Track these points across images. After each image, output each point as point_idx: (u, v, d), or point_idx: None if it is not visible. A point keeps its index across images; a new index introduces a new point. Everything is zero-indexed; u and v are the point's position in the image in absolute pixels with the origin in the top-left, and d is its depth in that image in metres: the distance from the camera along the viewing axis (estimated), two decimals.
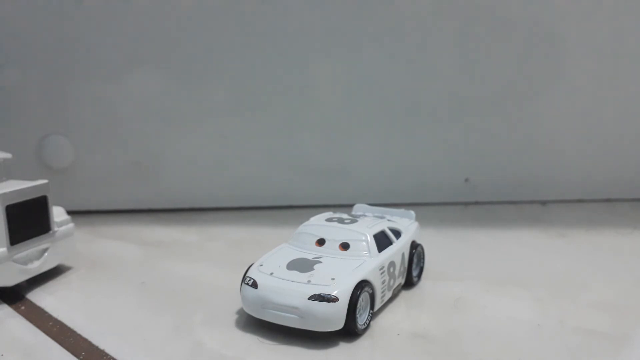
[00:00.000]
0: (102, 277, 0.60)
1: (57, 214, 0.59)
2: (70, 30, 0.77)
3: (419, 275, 0.58)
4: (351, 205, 0.65)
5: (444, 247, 0.68)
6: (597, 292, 0.56)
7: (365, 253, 0.50)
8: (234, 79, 0.80)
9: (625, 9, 0.80)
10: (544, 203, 0.88)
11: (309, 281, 0.46)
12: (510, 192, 0.88)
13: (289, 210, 0.85)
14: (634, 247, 0.69)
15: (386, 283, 0.51)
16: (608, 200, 0.88)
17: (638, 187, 0.88)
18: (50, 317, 0.51)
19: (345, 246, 0.51)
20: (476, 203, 0.88)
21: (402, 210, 0.62)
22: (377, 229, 0.53)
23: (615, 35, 0.81)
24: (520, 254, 0.67)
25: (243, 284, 0.48)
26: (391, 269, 0.52)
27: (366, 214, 0.62)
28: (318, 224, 0.54)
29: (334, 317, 0.45)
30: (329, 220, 0.55)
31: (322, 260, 0.49)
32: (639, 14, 0.80)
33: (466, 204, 0.88)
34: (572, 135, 0.86)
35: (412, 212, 0.62)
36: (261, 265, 0.49)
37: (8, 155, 0.59)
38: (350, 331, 0.46)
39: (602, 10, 0.80)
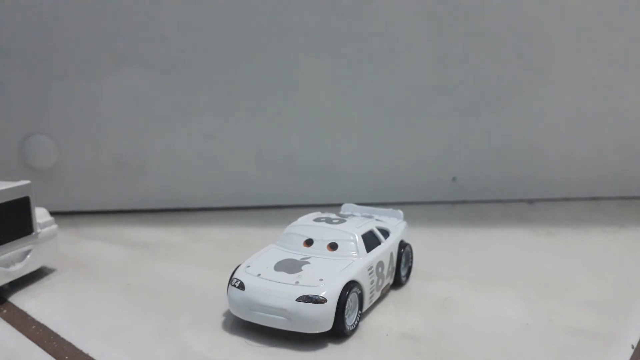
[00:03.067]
0: (86, 279, 0.59)
1: (40, 215, 0.58)
2: (53, 28, 0.76)
3: (408, 275, 0.58)
4: (339, 205, 0.65)
5: (432, 246, 0.68)
6: (585, 290, 0.56)
7: (354, 253, 0.50)
8: (220, 77, 0.80)
9: (610, 7, 0.81)
10: (531, 202, 0.88)
11: (296, 282, 0.46)
12: (497, 190, 0.88)
13: (277, 210, 0.85)
14: (620, 246, 0.70)
15: (375, 283, 0.50)
16: (594, 198, 0.89)
17: (623, 185, 0.89)
18: (33, 321, 0.50)
19: (333, 246, 0.51)
20: (464, 202, 0.88)
21: (390, 210, 0.62)
22: (365, 229, 0.53)
23: (599, 34, 0.82)
24: (508, 253, 0.67)
25: (230, 285, 0.48)
26: (380, 269, 0.51)
27: (354, 213, 0.61)
28: (306, 224, 0.54)
29: (322, 318, 0.44)
30: (317, 220, 0.55)
31: (310, 261, 0.49)
32: (623, 12, 0.81)
33: (454, 203, 0.88)
34: (558, 134, 0.86)
35: (400, 212, 0.62)
36: (248, 266, 0.49)
37: None
38: (338, 332, 0.46)
39: (587, 9, 0.81)
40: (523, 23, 0.80)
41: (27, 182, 0.55)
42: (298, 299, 0.44)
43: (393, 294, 0.55)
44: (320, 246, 0.51)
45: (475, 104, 0.84)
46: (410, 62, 0.81)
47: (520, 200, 0.89)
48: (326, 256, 0.50)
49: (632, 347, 0.46)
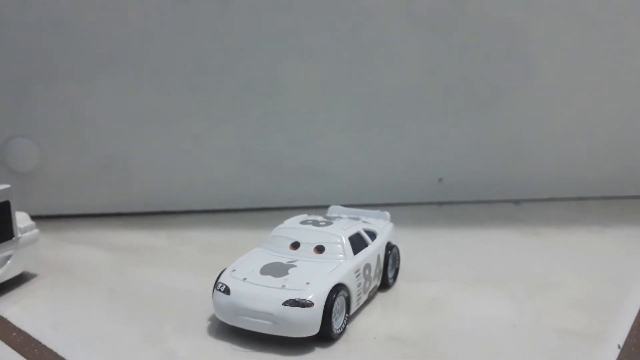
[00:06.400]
0: (69, 285, 0.58)
1: (21, 219, 0.57)
2: (35, 29, 0.75)
3: (395, 277, 0.58)
4: (326, 207, 0.64)
5: (419, 247, 0.68)
6: (571, 290, 0.57)
7: (341, 256, 0.50)
8: (205, 79, 0.79)
9: (597, 8, 0.81)
10: (517, 202, 0.89)
11: (283, 286, 0.45)
12: (483, 191, 0.88)
13: (263, 212, 0.84)
14: (605, 245, 0.70)
15: (362, 286, 0.50)
16: (579, 198, 0.89)
17: (607, 185, 0.89)
18: (14, 328, 0.49)
19: (320, 249, 0.50)
20: (450, 203, 0.88)
21: (377, 212, 0.62)
22: (352, 231, 0.53)
23: (587, 35, 0.82)
24: (495, 253, 0.67)
25: (215, 290, 0.47)
26: (367, 272, 0.51)
27: (341, 215, 0.61)
28: (292, 226, 0.54)
29: (309, 322, 0.44)
30: (303, 222, 0.54)
31: (297, 264, 0.48)
32: (611, 13, 0.81)
33: (440, 203, 0.88)
34: (543, 134, 0.86)
35: (387, 213, 0.61)
36: (234, 270, 0.48)
37: None
38: (326, 336, 0.45)
39: (574, 10, 0.81)
40: (509, 24, 0.81)
41: (7, 185, 0.54)
42: (284, 303, 0.44)
43: (380, 296, 0.55)
44: (306, 249, 0.50)
45: (462, 105, 0.84)
46: (397, 63, 0.81)
47: (507, 201, 0.89)
48: (313, 259, 0.49)
49: (619, 347, 0.46)
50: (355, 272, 0.49)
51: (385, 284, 0.56)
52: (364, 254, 0.51)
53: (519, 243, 0.71)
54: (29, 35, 0.75)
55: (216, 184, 0.83)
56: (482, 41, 0.81)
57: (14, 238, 0.56)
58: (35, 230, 0.59)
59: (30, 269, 0.60)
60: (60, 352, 0.45)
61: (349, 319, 0.48)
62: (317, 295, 0.44)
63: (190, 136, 0.81)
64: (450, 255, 0.67)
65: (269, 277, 0.46)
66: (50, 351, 0.45)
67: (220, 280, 0.48)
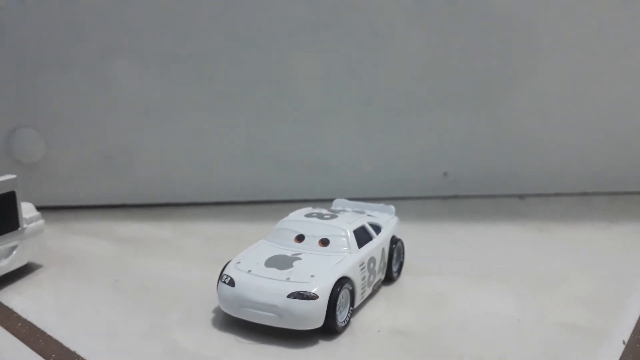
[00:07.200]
0: (74, 276, 0.59)
1: (26, 210, 0.58)
2: (40, 19, 0.75)
3: (399, 271, 0.58)
4: (331, 200, 0.64)
5: (423, 241, 0.68)
6: (576, 286, 0.56)
7: (345, 249, 0.50)
8: (210, 71, 0.79)
9: (600, 2, 0.80)
10: (522, 197, 0.88)
11: (287, 278, 0.45)
12: (488, 185, 0.88)
13: (268, 205, 0.84)
14: (611, 241, 0.70)
15: (366, 279, 0.50)
16: (584, 193, 0.89)
17: (614, 180, 0.89)
18: (19, 318, 0.49)
19: (324, 242, 0.50)
20: (455, 197, 0.88)
21: (382, 205, 0.61)
22: (357, 225, 0.53)
23: (592, 28, 0.82)
24: (500, 248, 0.67)
25: (220, 282, 0.47)
26: (371, 265, 0.51)
27: (346, 209, 0.61)
28: (297, 219, 0.54)
29: (313, 315, 0.44)
30: (308, 215, 0.54)
31: (302, 257, 0.48)
32: (616, 6, 0.81)
33: (445, 198, 0.88)
34: (549, 129, 0.86)
35: (392, 207, 0.61)
36: (239, 262, 0.48)
37: None
38: (330, 329, 0.46)
39: (577, 3, 0.80)
40: (513, 17, 0.80)
41: (13, 176, 0.55)
42: (289, 296, 0.44)
43: (385, 289, 0.55)
44: (311, 242, 0.50)
45: (467, 99, 0.84)
46: (402, 57, 0.81)
47: (512, 196, 0.88)
48: (317, 252, 0.49)
49: (624, 343, 0.46)
50: (360, 266, 0.49)
51: (389, 278, 0.56)
52: (368, 247, 0.51)
53: (523, 238, 0.71)
54: (35, 26, 0.75)
55: (221, 177, 0.83)
56: (488, 35, 0.81)
57: (19, 228, 0.56)
58: (41, 221, 0.59)
59: (36, 260, 0.61)
60: (66, 343, 0.45)
61: (353, 312, 0.48)
62: (322, 288, 0.44)
63: (196, 128, 0.81)
64: (454, 249, 0.67)
65: (274, 270, 0.46)
66: (56, 342, 0.45)
67: (224, 272, 0.48)
